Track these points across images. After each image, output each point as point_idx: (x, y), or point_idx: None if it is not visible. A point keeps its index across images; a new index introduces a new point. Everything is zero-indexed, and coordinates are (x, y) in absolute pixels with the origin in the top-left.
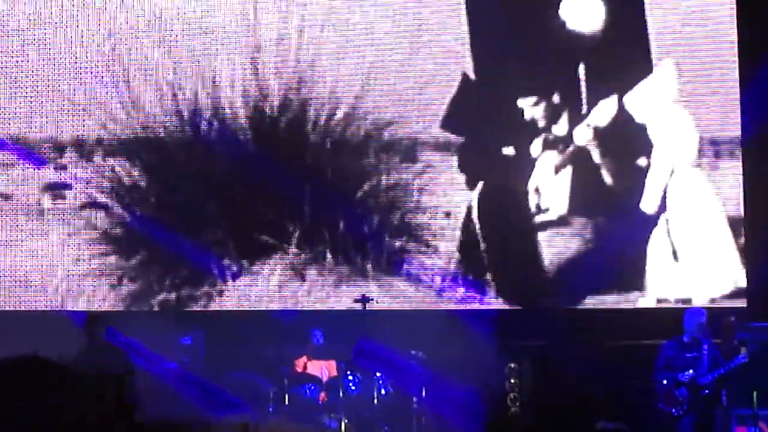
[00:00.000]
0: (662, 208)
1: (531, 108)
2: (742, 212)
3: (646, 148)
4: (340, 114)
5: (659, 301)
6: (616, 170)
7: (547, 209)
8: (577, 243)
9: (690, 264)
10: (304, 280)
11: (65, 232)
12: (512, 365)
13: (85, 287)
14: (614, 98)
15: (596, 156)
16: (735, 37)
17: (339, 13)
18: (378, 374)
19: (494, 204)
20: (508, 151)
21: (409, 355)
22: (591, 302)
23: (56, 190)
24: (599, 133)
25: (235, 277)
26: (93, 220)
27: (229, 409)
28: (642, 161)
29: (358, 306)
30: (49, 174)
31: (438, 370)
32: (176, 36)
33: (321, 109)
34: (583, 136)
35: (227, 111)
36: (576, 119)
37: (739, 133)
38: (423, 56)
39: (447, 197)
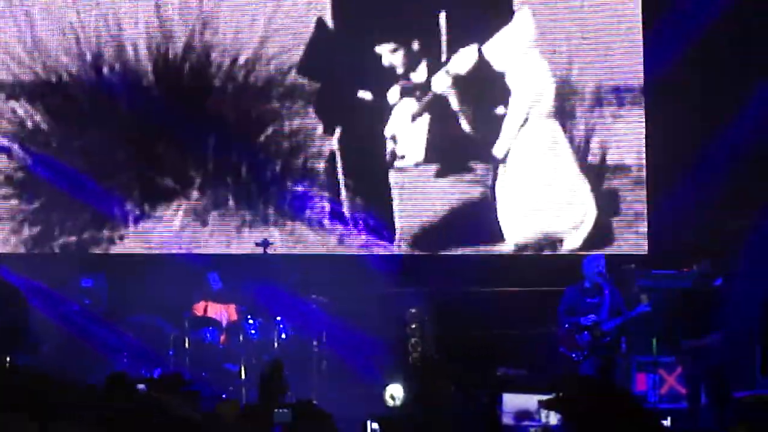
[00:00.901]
0: (513, 154)
1: (389, 54)
2: (639, 160)
3: (504, 97)
4: (242, 59)
5: (518, 248)
6: (474, 118)
7: (403, 156)
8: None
9: (541, 211)
10: (206, 225)
11: None
12: (413, 310)
13: None
14: (474, 47)
15: (454, 104)
16: None
17: None
18: (278, 318)
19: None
20: (365, 96)
21: (309, 299)
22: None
23: None
24: (458, 81)
25: (137, 220)
26: None
27: (128, 352)
28: (500, 110)
29: (260, 250)
30: None
31: (339, 316)
32: None
33: (224, 53)
34: (441, 83)
35: (130, 54)
36: (435, 67)
37: (640, 80)
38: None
39: None
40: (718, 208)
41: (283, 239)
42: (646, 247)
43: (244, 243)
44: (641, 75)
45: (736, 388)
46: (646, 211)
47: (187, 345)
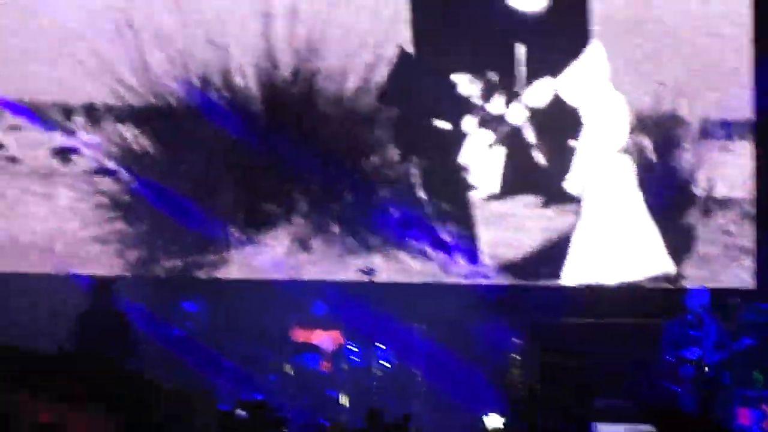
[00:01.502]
0: (587, 189)
1: (467, 84)
2: (751, 194)
3: (578, 130)
4: (349, 86)
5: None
6: (549, 151)
7: (478, 187)
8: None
9: (610, 246)
10: (309, 251)
11: (73, 197)
12: (515, 340)
13: (91, 252)
14: (550, 79)
15: (530, 136)
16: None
17: None
18: (380, 345)
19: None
20: (442, 125)
21: (412, 327)
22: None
23: (65, 154)
24: (534, 114)
25: (241, 245)
26: (101, 185)
27: (231, 377)
28: (573, 143)
29: (364, 277)
30: (58, 138)
31: (441, 344)
32: (189, 3)
33: (331, 80)
34: (517, 115)
35: (238, 80)
36: (511, 98)
37: (750, 113)
38: None
39: None
40: None
41: (387, 267)
42: (753, 282)
43: (348, 270)
44: (751, 107)
45: None
46: (754, 245)
47: (288, 371)
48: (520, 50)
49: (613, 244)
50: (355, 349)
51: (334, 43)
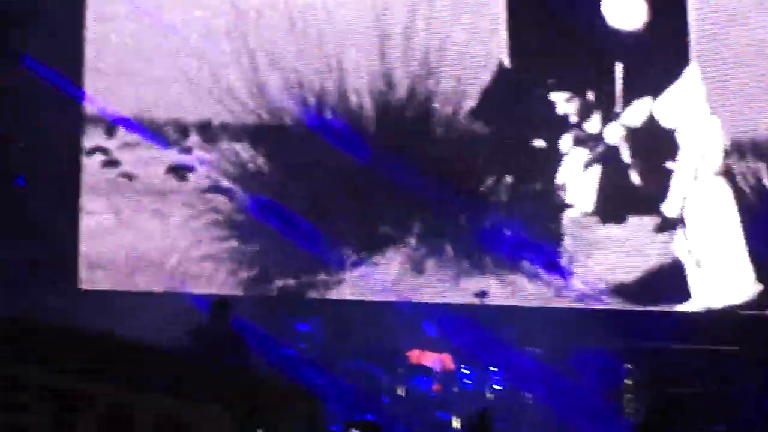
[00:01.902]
0: (683, 211)
1: (564, 103)
2: None
3: (674, 152)
4: (465, 108)
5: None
6: (645, 171)
7: (573, 205)
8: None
9: (709, 270)
10: (422, 273)
11: (187, 215)
12: (629, 366)
13: (204, 270)
14: (648, 99)
15: (626, 156)
16: None
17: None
18: (493, 369)
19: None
20: (538, 143)
21: (524, 350)
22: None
23: (180, 172)
24: (630, 134)
25: (354, 266)
26: (215, 203)
27: (342, 398)
28: (670, 164)
29: (477, 300)
30: (174, 156)
31: (553, 368)
32: (304, 21)
33: (446, 102)
34: (614, 134)
35: (353, 100)
36: (608, 118)
37: None
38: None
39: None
40: None
41: (501, 289)
42: None
43: (460, 292)
44: None
45: None
46: None
47: (400, 392)
48: (618, 69)
49: (711, 268)
50: (467, 372)
51: (450, 63)
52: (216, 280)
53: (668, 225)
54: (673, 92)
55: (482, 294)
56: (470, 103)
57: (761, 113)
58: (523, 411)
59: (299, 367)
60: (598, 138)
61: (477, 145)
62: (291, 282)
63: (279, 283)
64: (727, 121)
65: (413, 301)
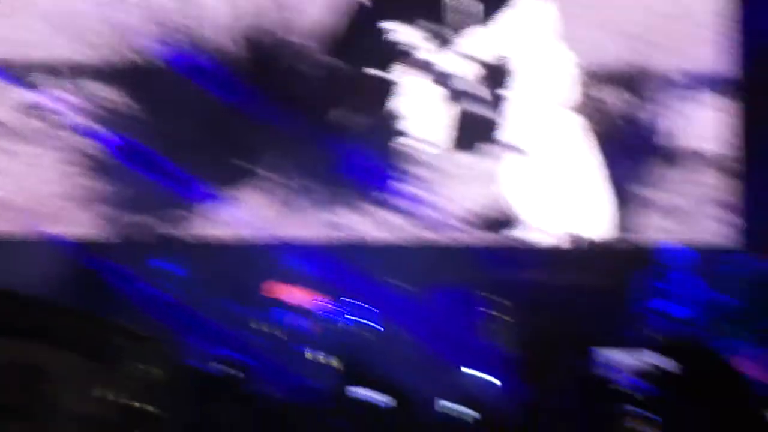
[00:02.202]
0: (530, 142)
1: (400, 32)
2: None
3: (517, 81)
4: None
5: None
6: (485, 103)
7: (412, 135)
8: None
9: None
10: (285, 207)
11: (46, 155)
12: (502, 300)
13: (63, 210)
14: (489, 28)
15: (466, 85)
16: None
17: None
18: (358, 304)
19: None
20: (374, 73)
21: (397, 288)
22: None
23: (42, 113)
24: (471, 63)
25: (213, 201)
26: (75, 143)
27: (201, 333)
28: (512, 94)
29: (338, 234)
30: (36, 97)
31: (428, 305)
32: None
33: (309, 36)
34: (453, 65)
35: (209, 36)
36: (447, 47)
37: (731, 65)
38: None
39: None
40: None
41: (362, 221)
42: (733, 238)
43: (324, 227)
44: (731, 60)
45: None
46: (733, 201)
47: (261, 328)
48: None
49: (561, 201)
50: (333, 307)
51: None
52: (72, 220)
53: (516, 154)
54: (516, 20)
55: (343, 228)
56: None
57: (613, 38)
58: (392, 345)
59: (162, 305)
60: (436, 67)
61: (334, 79)
62: (151, 220)
63: (139, 221)
64: (578, 48)
65: (277, 236)
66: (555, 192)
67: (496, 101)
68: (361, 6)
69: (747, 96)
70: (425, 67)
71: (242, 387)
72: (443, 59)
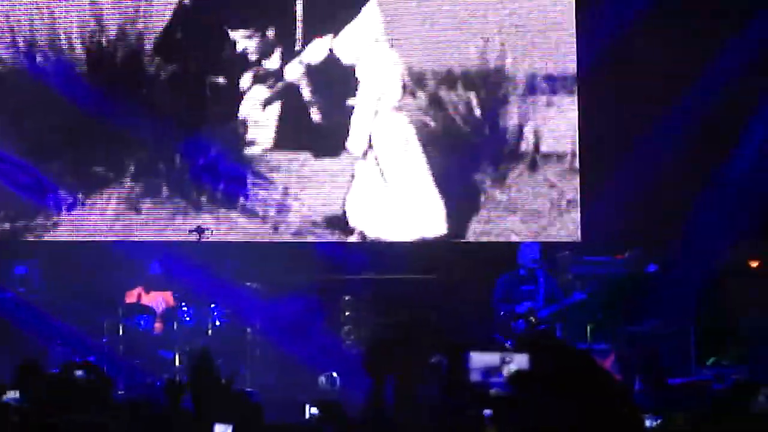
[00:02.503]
0: (368, 148)
1: (244, 40)
2: (573, 147)
3: (355, 89)
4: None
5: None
6: (325, 108)
7: (253, 142)
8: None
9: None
10: (139, 212)
11: None
12: (347, 298)
13: None
14: (329, 37)
15: (306, 93)
16: None
17: None
18: (212, 305)
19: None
20: (218, 80)
21: (244, 286)
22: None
23: None
24: (311, 71)
25: (70, 208)
26: None
27: (62, 339)
28: (351, 101)
29: (194, 237)
30: None
31: (274, 302)
32: None
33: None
34: (294, 72)
35: (64, 42)
36: (289, 55)
37: (574, 68)
38: None
39: None
40: (652, 194)
41: (218, 226)
42: (580, 235)
43: (179, 230)
44: (575, 61)
45: (671, 375)
46: (579, 198)
47: (121, 332)
48: (299, 5)
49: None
50: (188, 309)
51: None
52: None
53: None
54: (352, 28)
55: (200, 230)
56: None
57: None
58: (244, 346)
59: (18, 310)
60: (278, 75)
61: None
62: (6, 225)
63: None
64: (458, 54)
65: (132, 240)
66: (396, 193)
67: (340, 107)
68: (209, 12)
69: (584, 95)
70: (271, 75)
71: (102, 391)
72: (288, 68)
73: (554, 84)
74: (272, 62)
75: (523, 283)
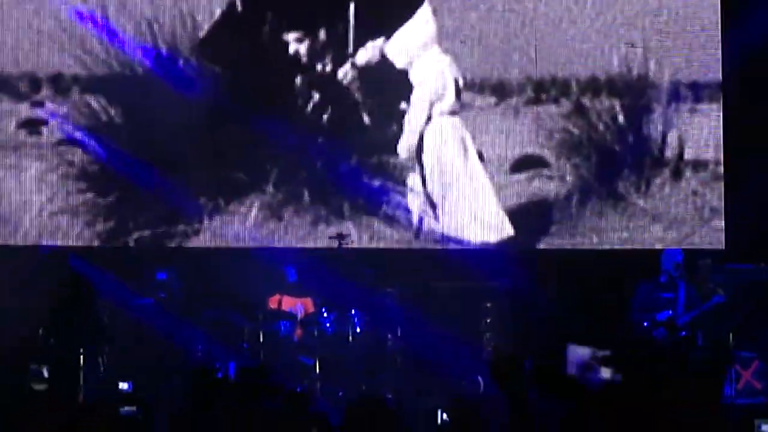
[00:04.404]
0: (418, 152)
1: (296, 43)
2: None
3: (407, 93)
4: (328, 58)
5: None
6: (377, 112)
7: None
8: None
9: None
10: (281, 220)
11: (42, 168)
12: (488, 305)
13: (61, 224)
14: (380, 40)
15: (358, 96)
16: None
17: None
18: (353, 312)
19: None
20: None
21: (384, 293)
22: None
23: (32, 125)
24: (363, 74)
25: (212, 215)
26: (69, 156)
27: (203, 345)
28: (403, 105)
29: (335, 244)
30: (26, 109)
31: (414, 310)
32: None
33: (302, 45)
34: (346, 75)
35: (202, 48)
36: (341, 58)
37: (718, 75)
38: None
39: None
40: None
41: (358, 232)
42: (723, 242)
43: (319, 236)
44: (719, 69)
45: None
46: (723, 206)
47: (261, 338)
48: (351, 8)
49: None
50: (328, 315)
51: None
52: (73, 234)
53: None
54: (405, 32)
55: (340, 237)
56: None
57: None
58: (384, 353)
59: (159, 316)
60: (330, 78)
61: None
62: (148, 232)
63: (136, 234)
64: (601, 60)
65: (272, 246)
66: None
67: (394, 112)
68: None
69: (730, 103)
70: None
71: None
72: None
73: (698, 91)
74: (324, 65)
75: (663, 291)
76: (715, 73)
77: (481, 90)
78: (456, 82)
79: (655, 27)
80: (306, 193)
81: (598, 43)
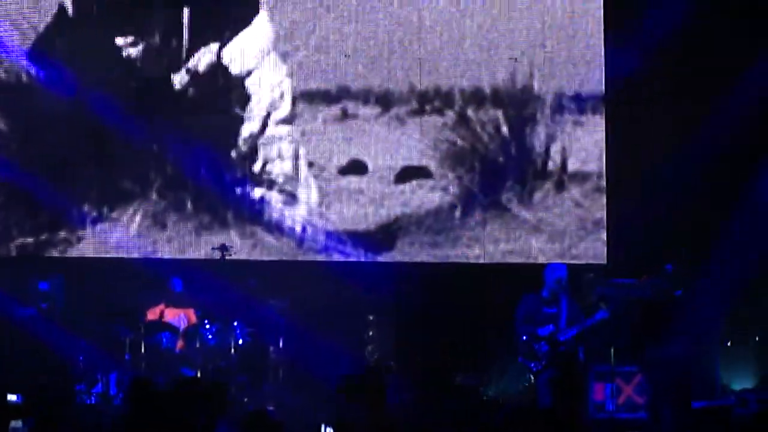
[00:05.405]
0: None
1: (128, 47)
2: (600, 167)
3: (243, 100)
4: (204, 63)
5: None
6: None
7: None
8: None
9: None
10: (164, 228)
11: None
12: (371, 317)
13: None
14: (215, 45)
15: (194, 103)
16: None
17: None
18: (235, 323)
19: None
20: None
21: (267, 304)
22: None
23: None
24: (197, 80)
25: (95, 223)
26: None
27: (84, 355)
28: (239, 112)
29: (218, 254)
30: None
31: (298, 321)
32: None
33: (190, 57)
34: (180, 80)
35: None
36: (175, 63)
37: (601, 88)
38: None
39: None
40: (679, 217)
41: (242, 243)
42: (606, 256)
43: (203, 247)
44: (602, 82)
45: (696, 398)
46: (605, 219)
47: (143, 350)
48: (185, 14)
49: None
50: (210, 327)
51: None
52: None
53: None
54: (241, 39)
55: (223, 248)
56: (209, 57)
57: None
58: (267, 365)
59: (41, 326)
60: (164, 83)
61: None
62: (30, 240)
63: (18, 241)
64: (486, 72)
65: (156, 257)
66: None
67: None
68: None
69: (613, 116)
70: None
71: None
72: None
73: (582, 103)
74: (158, 70)
75: (545, 305)
76: (599, 86)
77: (365, 100)
78: (293, 90)
79: (539, 40)
80: (189, 203)
81: (483, 56)
